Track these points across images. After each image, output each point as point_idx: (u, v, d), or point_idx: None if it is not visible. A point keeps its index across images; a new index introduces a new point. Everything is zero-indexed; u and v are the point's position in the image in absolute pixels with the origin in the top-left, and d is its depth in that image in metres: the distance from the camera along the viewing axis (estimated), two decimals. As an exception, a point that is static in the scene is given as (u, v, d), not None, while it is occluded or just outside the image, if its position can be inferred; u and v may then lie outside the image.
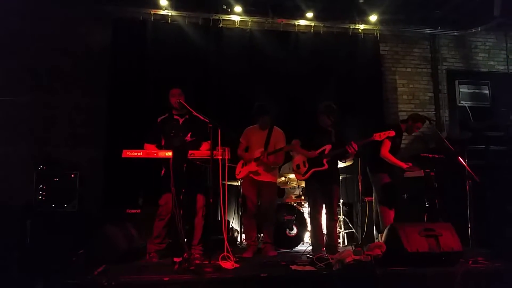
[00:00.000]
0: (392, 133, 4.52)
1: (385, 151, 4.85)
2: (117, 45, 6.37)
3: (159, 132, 4.39)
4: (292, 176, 5.71)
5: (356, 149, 4.43)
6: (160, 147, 4.26)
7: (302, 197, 5.78)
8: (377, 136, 4.40)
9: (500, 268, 3.79)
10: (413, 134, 5.21)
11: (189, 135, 4.31)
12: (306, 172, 4.66)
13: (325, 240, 4.73)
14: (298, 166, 4.78)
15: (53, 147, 6.01)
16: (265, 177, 4.77)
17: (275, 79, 6.61)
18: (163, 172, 4.30)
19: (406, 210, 5.02)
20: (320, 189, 4.61)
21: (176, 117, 4.46)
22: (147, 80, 6.26)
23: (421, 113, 5.27)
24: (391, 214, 4.90)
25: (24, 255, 4.29)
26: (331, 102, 4.76)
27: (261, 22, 6.88)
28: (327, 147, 4.60)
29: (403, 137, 5.36)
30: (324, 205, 4.70)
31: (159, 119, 4.48)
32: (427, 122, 5.15)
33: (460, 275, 3.53)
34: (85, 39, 6.42)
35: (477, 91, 7.54)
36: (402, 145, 6.52)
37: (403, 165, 4.79)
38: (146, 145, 4.32)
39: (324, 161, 4.55)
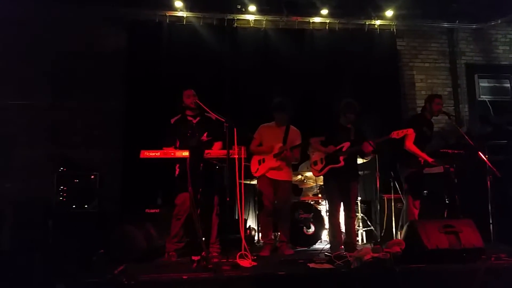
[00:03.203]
0: (410, 132, 4.46)
1: (409, 143, 4.75)
2: (133, 47, 6.46)
3: (174, 134, 4.42)
4: (309, 174, 5.69)
5: (372, 149, 4.39)
6: (175, 148, 4.28)
7: (320, 195, 5.75)
8: (395, 134, 4.35)
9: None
10: (438, 114, 5.04)
11: (205, 134, 4.35)
12: (322, 169, 4.65)
13: (343, 238, 4.71)
14: (315, 163, 4.77)
15: (73, 149, 6.11)
16: (281, 176, 4.75)
17: (291, 77, 6.60)
18: (177, 172, 4.34)
19: (426, 206, 4.93)
20: (338, 187, 4.59)
21: (189, 118, 4.50)
22: (163, 81, 6.32)
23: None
24: (416, 205, 4.80)
25: (46, 255, 4.38)
26: (351, 99, 4.74)
27: (276, 20, 6.87)
28: (346, 145, 4.57)
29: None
30: (342, 203, 4.67)
31: (172, 120, 4.53)
32: (447, 117, 5.07)
33: (482, 271, 3.46)
34: (102, 42, 6.52)
35: (497, 85, 7.37)
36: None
37: (428, 159, 4.69)
38: (165, 149, 4.34)
39: (341, 158, 4.52)
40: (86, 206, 5.37)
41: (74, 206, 5.35)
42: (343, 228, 4.86)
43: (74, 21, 6.42)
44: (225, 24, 6.71)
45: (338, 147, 4.58)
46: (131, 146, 5.79)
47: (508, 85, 7.37)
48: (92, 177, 5.45)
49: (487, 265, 3.59)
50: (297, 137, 4.87)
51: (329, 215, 4.74)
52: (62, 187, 5.37)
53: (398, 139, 4.48)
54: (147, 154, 3.79)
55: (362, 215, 5.70)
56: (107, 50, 6.52)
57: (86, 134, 6.30)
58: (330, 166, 4.59)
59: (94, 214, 5.34)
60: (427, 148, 4.83)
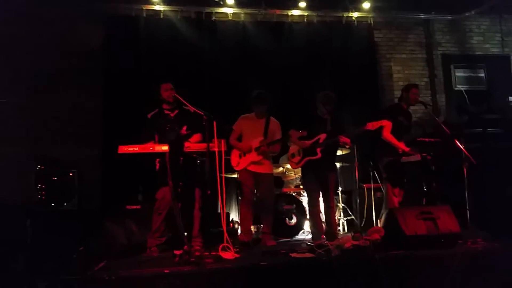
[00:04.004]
0: (385, 123, 4.52)
1: (386, 133, 4.81)
2: (110, 43, 6.35)
3: (152, 128, 4.39)
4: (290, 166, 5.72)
5: (348, 140, 4.44)
6: (154, 143, 4.24)
7: (301, 187, 5.79)
8: (370, 126, 4.40)
9: (498, 248, 3.81)
10: (415, 104, 5.13)
11: (184, 128, 4.33)
12: (300, 161, 4.68)
13: (324, 228, 4.76)
14: (293, 155, 4.80)
15: (51, 146, 5.98)
16: (263, 169, 4.76)
17: (270, 70, 6.59)
18: (157, 166, 4.31)
19: (405, 195, 5.01)
20: (316, 178, 4.63)
21: (166, 111, 4.47)
22: (141, 76, 6.24)
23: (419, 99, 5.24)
24: (395, 193, 4.87)
25: (26, 255, 4.31)
26: (329, 91, 4.77)
27: (254, 13, 6.85)
28: (322, 136, 4.60)
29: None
30: (320, 193, 4.72)
31: (149, 115, 4.49)
32: (424, 107, 5.15)
33: (459, 256, 3.55)
34: (79, 38, 6.36)
35: (473, 74, 7.54)
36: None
37: (405, 148, 4.76)
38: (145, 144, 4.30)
39: (318, 150, 4.56)
40: (65, 204, 5.27)
41: (53, 205, 5.25)
42: (324, 218, 4.91)
43: (50, 17, 6.27)
44: (203, 17, 6.66)
45: (314, 140, 4.61)
46: (111, 142, 5.70)
47: (483, 74, 7.53)
48: (71, 174, 5.35)
49: (464, 249, 3.69)
50: (278, 129, 4.88)
51: (309, 206, 4.79)
52: (40, 186, 5.26)
53: (375, 130, 4.53)
54: (126, 149, 3.75)
55: (343, 205, 5.77)
56: (85, 46, 6.36)
57: (64, 131, 6.17)
58: (307, 158, 4.63)
59: (73, 212, 5.25)
60: (405, 137, 4.90)
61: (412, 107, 5.24)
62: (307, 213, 5.40)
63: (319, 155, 4.56)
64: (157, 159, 4.32)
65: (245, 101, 5.00)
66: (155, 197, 4.35)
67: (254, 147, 4.71)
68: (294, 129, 4.81)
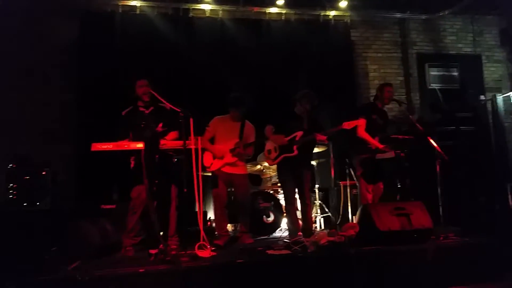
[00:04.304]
0: (360, 122, 4.58)
1: (361, 131, 4.88)
2: (86, 39, 6.23)
3: (126, 126, 4.31)
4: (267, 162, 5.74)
5: (323, 139, 4.50)
6: (129, 140, 4.17)
7: (279, 184, 5.81)
8: (346, 125, 4.46)
9: (469, 242, 3.92)
10: (391, 102, 5.21)
11: (160, 125, 4.27)
12: (276, 158, 4.70)
13: (301, 225, 4.79)
14: (269, 152, 4.80)
15: (23, 145, 5.83)
16: (238, 170, 4.74)
17: (248, 67, 6.59)
18: (132, 164, 4.25)
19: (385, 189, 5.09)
20: (292, 175, 4.66)
21: (141, 108, 4.40)
22: (117, 72, 6.12)
23: (393, 97, 5.32)
24: (369, 189, 4.93)
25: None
26: (308, 90, 4.80)
27: (232, 10, 6.83)
28: (298, 134, 4.63)
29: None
30: (296, 190, 4.75)
31: (123, 113, 4.41)
32: (398, 105, 5.24)
33: (432, 251, 3.63)
34: (54, 34, 6.25)
35: (446, 73, 7.70)
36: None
37: (379, 145, 4.84)
38: (120, 142, 4.23)
39: (294, 147, 4.58)
40: (38, 203, 5.16)
41: (25, 204, 5.13)
42: (300, 215, 4.94)
43: (24, 11, 6.11)
44: (181, 13, 6.61)
45: (291, 137, 4.63)
46: (85, 140, 5.54)
47: (456, 73, 7.71)
48: (44, 173, 5.23)
49: (436, 244, 3.78)
50: (252, 133, 4.85)
51: (285, 203, 4.81)
52: (11, 185, 5.13)
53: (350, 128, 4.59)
54: (99, 146, 3.69)
55: (319, 202, 5.82)
56: (60, 42, 6.27)
57: (37, 128, 6.03)
58: (284, 155, 4.65)
59: (46, 211, 5.14)
60: (379, 135, 4.97)
61: (387, 106, 5.32)
62: (284, 210, 5.46)
63: (296, 152, 4.58)
64: (132, 157, 4.25)
65: (222, 99, 4.97)
66: (130, 196, 4.28)
67: (229, 149, 4.68)
68: (270, 125, 4.82)
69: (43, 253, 3.85)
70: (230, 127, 4.80)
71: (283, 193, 4.89)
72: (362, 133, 4.86)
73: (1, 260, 3.88)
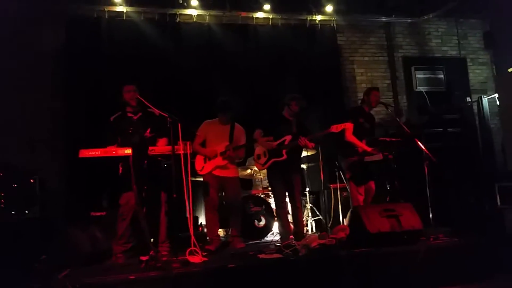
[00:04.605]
0: (348, 125, 4.63)
1: (348, 135, 4.92)
2: (72, 45, 6.18)
3: (114, 131, 4.29)
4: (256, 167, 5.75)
5: (309, 145, 4.52)
6: (117, 146, 4.13)
7: (269, 188, 5.82)
8: (334, 128, 4.49)
9: (459, 243, 3.96)
10: (377, 106, 5.27)
11: (148, 130, 4.26)
12: (265, 162, 4.71)
13: (292, 228, 4.80)
14: (258, 156, 4.82)
15: (10, 153, 5.75)
16: (228, 173, 4.74)
17: (235, 72, 6.60)
18: (120, 171, 4.23)
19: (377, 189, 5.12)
20: (281, 178, 4.68)
21: (129, 114, 4.38)
22: (105, 78, 6.07)
23: (381, 100, 5.37)
24: (360, 191, 4.96)
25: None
26: (296, 94, 4.83)
27: (219, 16, 6.84)
28: (287, 138, 4.65)
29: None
30: (287, 194, 4.77)
31: (111, 118, 4.39)
32: (386, 108, 5.30)
33: (422, 252, 3.66)
34: (40, 40, 6.16)
35: (432, 76, 7.80)
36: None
37: (367, 148, 4.88)
38: (108, 148, 4.20)
39: (283, 151, 4.61)
40: (26, 211, 5.09)
41: (13, 213, 5.06)
42: (291, 219, 4.96)
43: (9, 17, 6.03)
44: (167, 19, 6.59)
45: (279, 141, 4.65)
46: (74, 147, 5.50)
47: (442, 76, 7.81)
48: (32, 181, 5.17)
49: (426, 245, 3.81)
50: (242, 135, 4.87)
51: (276, 207, 4.82)
52: (-1, 193, 5.07)
53: (338, 132, 4.63)
54: (87, 153, 3.68)
55: (310, 205, 5.83)
56: (46, 49, 6.18)
57: (26, 136, 5.94)
58: (273, 160, 4.67)
59: (35, 219, 5.07)
60: (367, 138, 5.01)
61: (375, 109, 5.38)
62: (275, 214, 5.46)
63: (285, 156, 4.60)
64: (120, 163, 4.23)
65: (211, 103, 4.98)
66: (118, 203, 4.25)
67: (219, 152, 4.68)
68: (259, 129, 4.83)
69: (32, 262, 3.81)
70: (219, 130, 4.81)
71: (274, 197, 4.91)
72: (350, 136, 4.91)
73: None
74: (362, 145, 4.89)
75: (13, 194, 5.07)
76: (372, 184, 5.01)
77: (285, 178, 4.67)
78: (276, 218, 5.41)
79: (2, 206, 5.01)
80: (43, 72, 6.12)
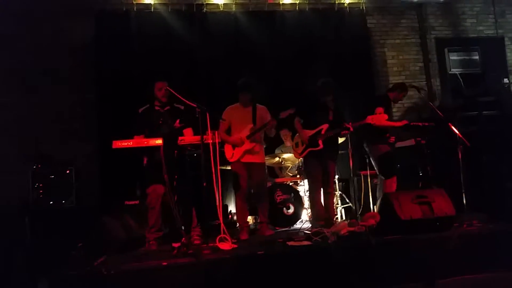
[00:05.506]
0: (383, 115, 4.58)
1: (377, 118, 4.83)
2: (101, 38, 6.30)
3: (142, 123, 4.38)
4: (286, 156, 5.74)
5: (352, 129, 4.52)
6: (145, 137, 4.18)
7: (298, 176, 5.81)
8: (370, 119, 4.46)
9: (494, 229, 3.84)
10: (401, 103, 5.19)
11: (177, 121, 4.32)
12: (303, 151, 4.72)
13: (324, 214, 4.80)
14: (296, 144, 4.87)
15: (46, 144, 5.98)
16: (256, 158, 4.73)
17: (263, 60, 6.56)
18: (145, 162, 4.32)
19: (401, 180, 5.03)
20: (318, 166, 4.70)
21: (157, 107, 4.45)
22: (134, 70, 6.20)
23: (413, 83, 5.25)
24: (391, 183, 4.91)
25: (25, 254, 4.34)
26: (328, 78, 4.78)
27: (246, 3, 6.80)
28: (324, 127, 4.64)
29: (396, 109, 5.31)
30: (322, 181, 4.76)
31: (140, 110, 4.47)
32: (418, 92, 5.16)
33: (455, 238, 3.57)
34: (71, 34, 6.34)
35: (467, 57, 7.48)
36: (395, 117, 6.58)
37: (399, 124, 4.80)
38: (136, 137, 4.25)
39: (320, 141, 4.59)
40: (63, 201, 5.30)
41: (51, 203, 5.27)
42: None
43: (40, 14, 6.23)
44: (194, 9, 6.61)
45: (315, 131, 4.64)
46: (106, 137, 5.65)
47: (477, 57, 7.49)
48: (68, 171, 5.37)
49: (459, 232, 3.72)
50: (266, 113, 4.83)
51: (310, 193, 4.82)
52: (37, 184, 5.28)
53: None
54: (120, 144, 3.76)
55: (340, 192, 5.78)
56: (77, 42, 6.34)
57: (60, 128, 6.16)
58: (309, 149, 4.69)
59: (72, 209, 5.28)
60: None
61: (408, 93, 5.26)
62: (304, 202, 5.46)
63: (321, 146, 4.60)
64: (144, 155, 4.32)
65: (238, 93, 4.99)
66: (146, 192, 4.35)
67: (245, 136, 4.68)
68: (297, 117, 4.83)
69: (70, 250, 3.97)
70: (242, 113, 4.80)
71: (308, 182, 4.90)
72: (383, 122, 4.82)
73: (31, 257, 4.03)
74: (394, 123, 4.81)
75: (50, 184, 5.29)
76: (394, 179, 4.94)
77: (321, 165, 4.70)
78: (305, 206, 5.44)
79: (41, 196, 5.25)
80: (76, 65, 6.30)
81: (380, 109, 4.59)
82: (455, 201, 4.04)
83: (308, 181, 5.03)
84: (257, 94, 4.88)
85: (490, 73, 7.31)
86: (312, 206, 4.86)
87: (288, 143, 5.84)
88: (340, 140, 5.36)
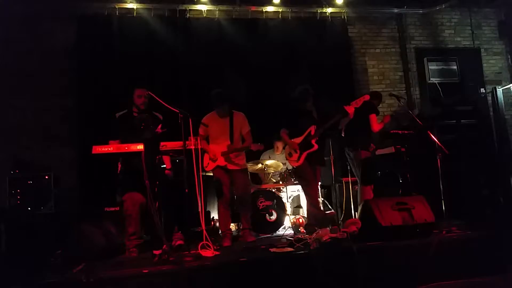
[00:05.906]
0: (367, 97, 4.67)
1: (376, 125, 4.95)
2: (83, 43, 6.24)
3: (119, 128, 4.32)
4: (269, 162, 5.76)
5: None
6: (120, 143, 4.12)
7: (281, 182, 5.82)
8: (354, 104, 4.49)
9: (472, 235, 3.92)
10: (382, 111, 5.28)
11: (159, 126, 4.29)
12: (299, 157, 4.72)
13: (304, 222, 4.81)
14: (290, 154, 4.83)
15: (24, 150, 5.87)
16: (236, 165, 4.68)
17: (245, 67, 6.59)
18: (119, 168, 4.27)
19: (381, 187, 5.10)
20: (311, 170, 4.76)
21: (135, 114, 4.40)
22: (115, 76, 6.12)
23: (393, 92, 5.34)
24: (369, 190, 4.96)
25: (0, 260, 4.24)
26: (305, 85, 4.83)
27: (229, 10, 6.81)
28: (312, 129, 4.67)
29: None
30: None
31: (117, 115, 4.41)
32: (398, 100, 5.25)
33: (435, 245, 3.63)
34: (51, 39, 6.26)
35: (445, 67, 7.69)
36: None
37: (386, 119, 4.95)
38: (111, 142, 4.18)
39: (313, 142, 4.63)
40: (42, 207, 5.19)
41: (29, 209, 5.16)
42: (305, 213, 4.96)
43: (22, 17, 6.14)
44: (177, 15, 6.60)
45: (304, 136, 4.67)
46: (86, 143, 5.58)
47: (455, 67, 7.69)
48: (46, 177, 5.26)
49: (439, 238, 3.78)
50: (244, 124, 4.74)
51: (309, 196, 4.82)
52: (15, 190, 5.16)
53: (352, 122, 4.59)
54: (100, 149, 3.72)
55: (322, 199, 5.81)
56: (57, 47, 6.27)
57: (39, 134, 6.05)
58: (306, 152, 4.70)
59: (50, 215, 5.16)
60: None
61: (387, 101, 5.34)
62: (287, 208, 5.48)
63: (316, 146, 4.63)
64: (119, 161, 4.29)
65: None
66: (121, 199, 4.31)
67: (220, 153, 4.61)
68: (283, 129, 4.85)
69: (48, 256, 3.89)
70: (218, 124, 4.69)
71: (303, 180, 4.88)
72: (377, 126, 4.94)
73: (8, 264, 3.94)
74: (382, 124, 4.93)
75: (28, 190, 5.18)
76: (372, 186, 5.01)
77: (312, 168, 4.76)
78: (287, 212, 5.45)
79: (18, 202, 5.13)
80: (55, 70, 6.22)
81: (367, 96, 4.67)
82: (434, 208, 4.11)
83: (305, 185, 4.94)
84: (233, 104, 4.78)
85: (468, 82, 7.51)
86: (315, 210, 4.81)
87: (279, 152, 5.86)
88: None
